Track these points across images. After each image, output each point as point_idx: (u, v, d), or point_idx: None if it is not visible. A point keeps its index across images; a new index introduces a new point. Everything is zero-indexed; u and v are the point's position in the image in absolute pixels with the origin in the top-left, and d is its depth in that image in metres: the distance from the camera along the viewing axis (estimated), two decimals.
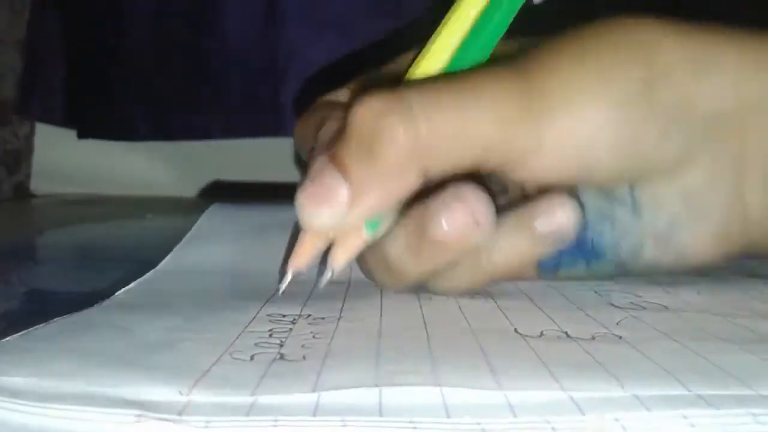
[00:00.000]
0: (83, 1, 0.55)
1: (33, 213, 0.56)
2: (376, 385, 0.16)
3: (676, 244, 0.23)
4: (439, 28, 0.23)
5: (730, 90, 0.22)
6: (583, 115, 0.21)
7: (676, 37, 0.22)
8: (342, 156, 0.20)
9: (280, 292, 0.23)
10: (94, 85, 0.56)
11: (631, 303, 0.23)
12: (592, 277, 0.25)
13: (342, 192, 0.20)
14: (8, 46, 0.58)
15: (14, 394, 0.15)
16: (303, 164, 0.26)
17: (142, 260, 0.27)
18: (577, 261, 0.24)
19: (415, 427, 0.15)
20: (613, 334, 0.20)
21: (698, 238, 0.23)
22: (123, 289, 0.24)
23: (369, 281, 0.26)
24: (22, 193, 0.60)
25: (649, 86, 0.21)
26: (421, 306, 0.23)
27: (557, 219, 0.22)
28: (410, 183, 0.21)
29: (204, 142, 0.57)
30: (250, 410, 0.15)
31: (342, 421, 0.15)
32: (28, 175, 0.60)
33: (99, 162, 0.60)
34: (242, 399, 0.15)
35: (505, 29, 0.23)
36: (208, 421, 0.15)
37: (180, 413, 0.15)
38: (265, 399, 0.16)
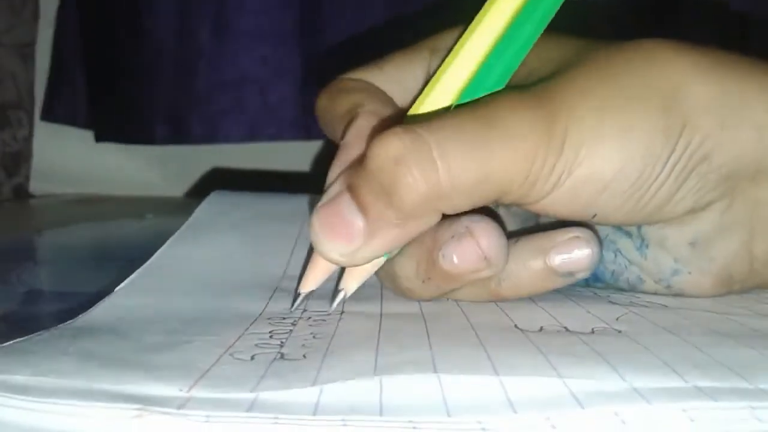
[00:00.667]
0: (101, 5, 0.55)
1: (33, 213, 0.56)
2: (375, 374, 0.16)
3: (676, 283, 0.23)
4: (453, 51, 0.22)
5: (752, 142, 0.21)
6: (602, 162, 0.20)
7: (704, 80, 0.21)
8: (361, 191, 0.20)
9: (291, 310, 0.22)
10: (113, 89, 0.56)
11: (631, 302, 0.23)
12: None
13: (357, 228, 0.20)
14: (8, 49, 0.58)
15: (16, 391, 0.16)
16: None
17: (142, 260, 0.27)
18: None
19: (414, 427, 0.15)
20: (612, 328, 0.20)
21: (698, 282, 0.23)
22: (122, 284, 0.24)
23: (369, 280, 0.26)
24: (22, 194, 0.60)
25: (670, 137, 0.21)
26: (421, 306, 0.23)
27: (575, 255, 0.22)
28: (427, 223, 0.20)
29: None
30: (251, 407, 0.15)
31: (342, 420, 0.15)
32: (27, 177, 0.60)
33: (98, 163, 0.60)
34: (243, 396, 0.16)
35: (528, 48, 0.22)
36: (208, 416, 0.15)
37: (180, 408, 0.15)
38: (266, 396, 0.16)
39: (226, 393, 0.16)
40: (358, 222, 0.20)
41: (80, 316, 0.21)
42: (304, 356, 0.18)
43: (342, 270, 0.22)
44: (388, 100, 0.25)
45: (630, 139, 0.20)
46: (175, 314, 0.22)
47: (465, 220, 0.21)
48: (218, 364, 0.17)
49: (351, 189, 0.20)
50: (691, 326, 0.20)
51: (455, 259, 0.21)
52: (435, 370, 0.16)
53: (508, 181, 0.20)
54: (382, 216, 0.20)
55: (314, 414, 0.15)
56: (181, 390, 0.16)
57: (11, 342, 0.19)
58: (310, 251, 0.22)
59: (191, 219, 0.32)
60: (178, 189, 0.60)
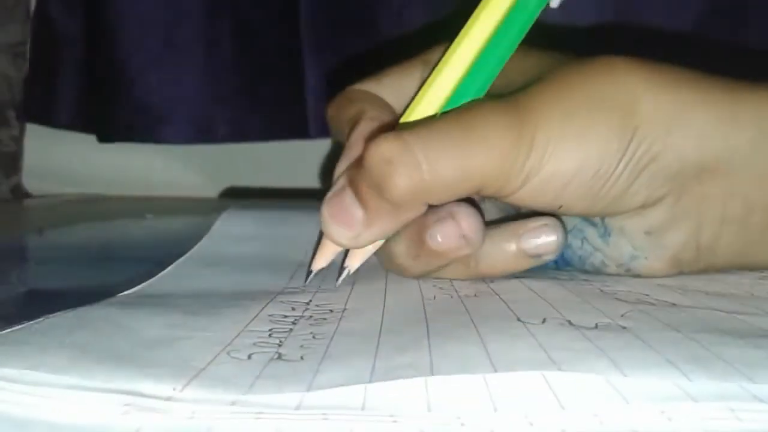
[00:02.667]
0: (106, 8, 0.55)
1: (33, 213, 0.56)
2: (372, 381, 0.16)
3: (634, 267, 0.27)
4: (439, 65, 0.25)
5: (694, 146, 0.24)
6: (565, 160, 0.23)
7: (653, 92, 0.24)
8: (359, 186, 0.23)
9: (305, 284, 0.26)
10: (119, 86, 0.55)
11: (638, 299, 0.23)
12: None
13: (358, 216, 0.23)
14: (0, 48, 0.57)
15: (8, 381, 0.16)
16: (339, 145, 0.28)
17: (141, 260, 0.27)
18: (547, 264, 0.27)
19: (395, 421, 0.15)
20: (617, 324, 0.20)
21: (652, 265, 0.26)
22: (126, 291, 0.24)
23: (373, 278, 0.26)
24: (20, 194, 0.60)
25: (623, 140, 0.24)
26: (424, 303, 0.23)
27: (542, 240, 0.25)
28: (415, 213, 0.24)
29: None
30: (234, 403, 0.15)
31: (323, 414, 0.15)
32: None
33: (96, 162, 0.60)
34: (231, 395, 0.15)
35: (504, 63, 0.25)
36: (193, 412, 0.15)
37: (167, 405, 0.15)
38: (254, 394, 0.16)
39: (220, 394, 0.15)
40: (359, 212, 0.23)
41: (79, 308, 0.21)
42: (302, 357, 0.18)
43: (346, 251, 0.25)
44: (387, 107, 0.28)
45: (589, 140, 0.23)
46: (177, 311, 0.22)
47: (448, 207, 0.24)
48: (214, 362, 0.17)
49: (352, 184, 0.24)
50: (697, 324, 0.20)
51: (439, 239, 0.24)
52: (432, 373, 0.16)
53: (484, 178, 0.23)
54: (378, 207, 0.23)
55: (297, 408, 0.15)
56: (174, 389, 0.16)
57: (6, 330, 0.19)
58: (320, 235, 0.25)
59: (204, 239, 0.32)
60: (178, 189, 0.60)
